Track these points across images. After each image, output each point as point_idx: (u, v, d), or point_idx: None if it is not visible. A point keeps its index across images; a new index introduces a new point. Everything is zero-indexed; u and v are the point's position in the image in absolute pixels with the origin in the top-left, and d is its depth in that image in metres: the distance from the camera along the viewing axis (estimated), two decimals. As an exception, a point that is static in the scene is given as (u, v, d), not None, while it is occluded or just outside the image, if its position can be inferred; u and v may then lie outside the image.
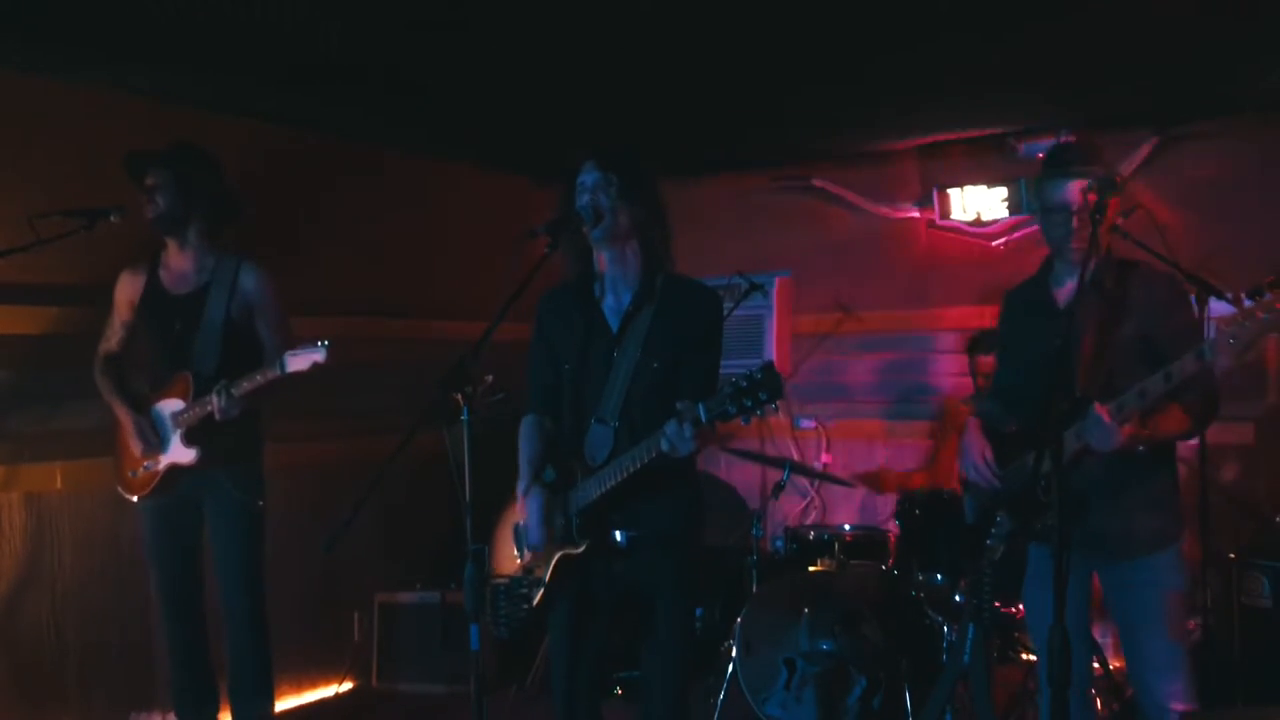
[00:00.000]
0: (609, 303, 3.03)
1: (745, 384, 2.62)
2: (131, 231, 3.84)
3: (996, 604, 4.13)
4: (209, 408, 3.72)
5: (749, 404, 2.62)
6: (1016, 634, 4.77)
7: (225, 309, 3.86)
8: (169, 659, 4.07)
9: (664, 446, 2.72)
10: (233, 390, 3.69)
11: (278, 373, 3.70)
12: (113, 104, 4.32)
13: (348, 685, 5.20)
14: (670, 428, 2.70)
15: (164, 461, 3.85)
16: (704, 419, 2.66)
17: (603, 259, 3.02)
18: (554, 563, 2.96)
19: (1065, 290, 3.06)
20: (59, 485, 4.17)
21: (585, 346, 3.01)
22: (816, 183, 6.02)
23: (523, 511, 3.02)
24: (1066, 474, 2.92)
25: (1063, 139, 3.19)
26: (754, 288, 5.51)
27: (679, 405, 2.70)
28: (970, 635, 3.73)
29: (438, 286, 5.65)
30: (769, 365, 2.64)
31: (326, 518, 4.11)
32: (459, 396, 2.75)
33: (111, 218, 3.69)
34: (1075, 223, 2.95)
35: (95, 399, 3.95)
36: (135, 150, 3.87)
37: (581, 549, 2.94)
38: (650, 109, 4.85)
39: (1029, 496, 2.97)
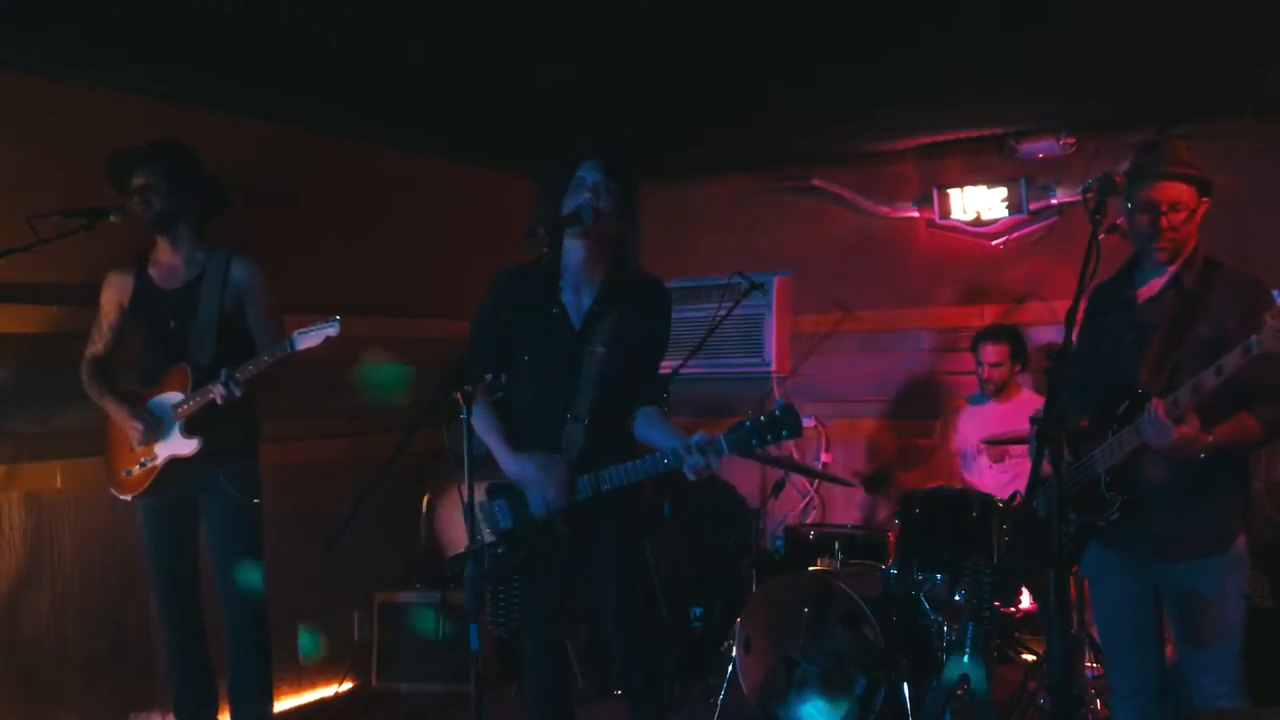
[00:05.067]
0: (569, 298, 3.14)
1: (765, 420, 2.81)
2: (131, 231, 3.84)
3: (996, 603, 4.12)
4: (210, 395, 3.71)
5: (770, 439, 2.82)
6: (1016, 634, 4.77)
7: (219, 301, 3.86)
8: (167, 660, 4.07)
9: (690, 476, 2.91)
10: (236, 375, 3.69)
11: (286, 352, 3.70)
12: (113, 104, 4.31)
13: (348, 685, 5.20)
14: (695, 460, 2.87)
15: (162, 454, 3.84)
16: (726, 450, 2.85)
17: (575, 253, 3.12)
18: (530, 547, 3.12)
19: (1148, 288, 3.08)
20: (59, 485, 4.17)
21: (547, 340, 3.13)
22: (816, 183, 6.02)
23: (520, 477, 3.11)
24: (1127, 472, 2.95)
25: (1149, 138, 3.17)
26: (754, 287, 5.51)
27: (696, 440, 2.86)
28: (970, 635, 3.73)
29: (437, 285, 5.64)
30: (789, 407, 2.83)
31: (326, 518, 4.11)
32: (459, 395, 2.76)
33: (111, 218, 3.68)
34: (1164, 223, 2.95)
35: (95, 399, 3.95)
36: (118, 152, 3.84)
37: (563, 536, 3.10)
38: (651, 108, 4.85)
39: (1092, 493, 2.97)
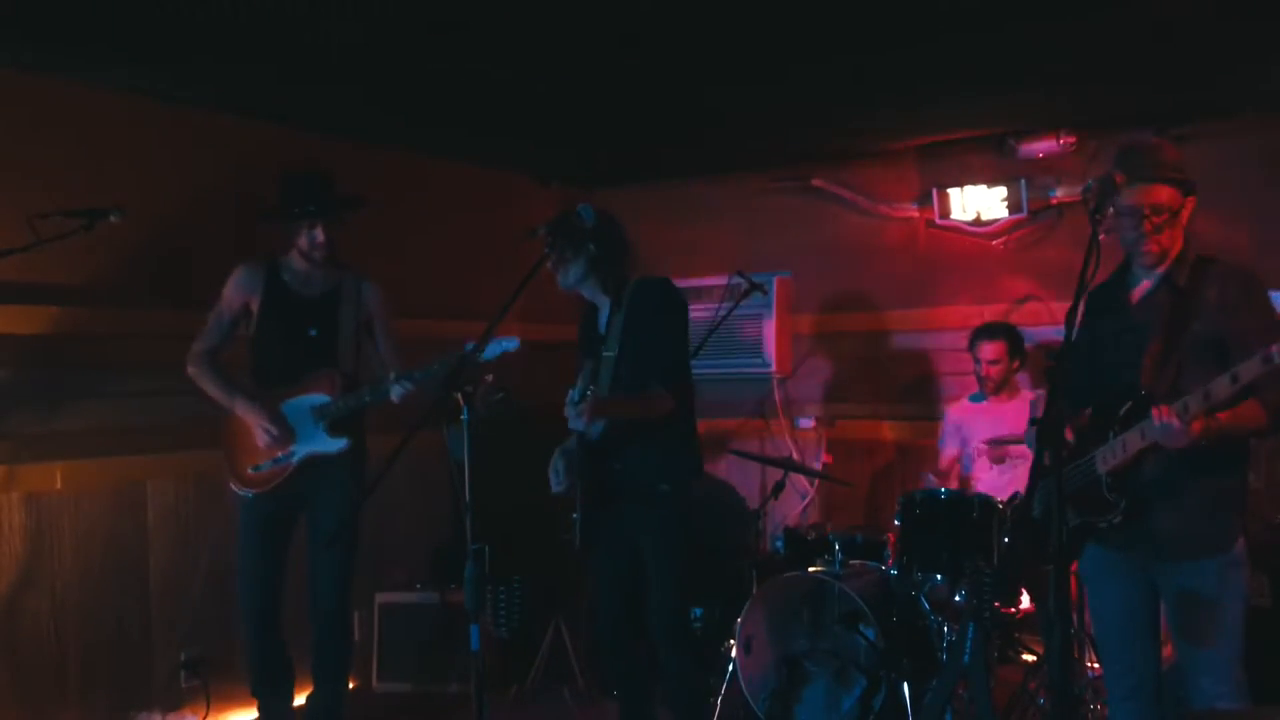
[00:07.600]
0: (602, 316, 3.78)
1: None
2: (131, 231, 3.83)
3: (996, 604, 4.12)
4: (366, 399, 3.88)
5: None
6: (1016, 634, 4.77)
7: (355, 316, 4.04)
8: (245, 647, 4.11)
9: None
10: (406, 380, 3.83)
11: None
12: (113, 104, 4.31)
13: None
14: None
15: (301, 452, 3.89)
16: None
17: (586, 287, 3.74)
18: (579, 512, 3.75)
19: (1140, 290, 3.09)
20: (59, 485, 4.17)
21: (592, 346, 3.79)
22: (816, 183, 6.02)
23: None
24: (1129, 474, 2.95)
25: (1132, 140, 3.18)
26: (754, 287, 5.51)
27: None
28: (970, 635, 3.73)
29: (438, 286, 5.64)
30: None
31: (326, 518, 4.11)
32: (459, 396, 2.77)
33: (111, 218, 3.68)
34: (1148, 226, 2.95)
35: (95, 399, 3.94)
36: (303, 184, 3.99)
37: (583, 498, 3.72)
38: (651, 109, 4.85)
39: (1093, 494, 2.98)
